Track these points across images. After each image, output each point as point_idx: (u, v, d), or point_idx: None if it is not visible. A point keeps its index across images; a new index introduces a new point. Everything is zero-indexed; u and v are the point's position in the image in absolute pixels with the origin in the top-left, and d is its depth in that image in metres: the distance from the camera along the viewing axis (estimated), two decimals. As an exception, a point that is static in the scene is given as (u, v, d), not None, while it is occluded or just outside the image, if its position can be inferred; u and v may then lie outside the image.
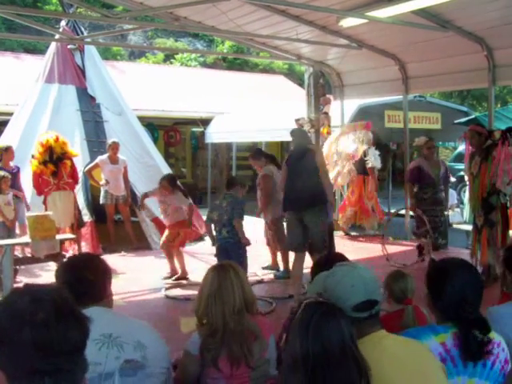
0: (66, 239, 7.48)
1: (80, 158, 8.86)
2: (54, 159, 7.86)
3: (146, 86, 16.08)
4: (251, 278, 6.88)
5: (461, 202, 12.40)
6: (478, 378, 2.13)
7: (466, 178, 8.26)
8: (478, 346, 2.09)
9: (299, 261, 6.17)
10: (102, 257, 2.79)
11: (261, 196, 7.57)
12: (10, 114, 10.35)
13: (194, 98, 16.32)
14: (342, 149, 10.22)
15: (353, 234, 10.65)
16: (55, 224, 6.82)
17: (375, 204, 10.47)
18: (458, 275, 2.23)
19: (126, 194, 9.13)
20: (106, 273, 2.38)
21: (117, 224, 9.45)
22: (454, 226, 9.82)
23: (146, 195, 7.63)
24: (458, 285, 2.20)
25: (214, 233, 6.33)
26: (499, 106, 20.59)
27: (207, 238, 10.28)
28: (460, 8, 7.19)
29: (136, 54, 26.50)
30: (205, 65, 25.46)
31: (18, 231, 7.79)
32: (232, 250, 6.07)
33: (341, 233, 10.53)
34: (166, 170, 10.28)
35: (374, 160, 10.12)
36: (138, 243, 9.14)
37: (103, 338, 2.12)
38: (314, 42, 9.31)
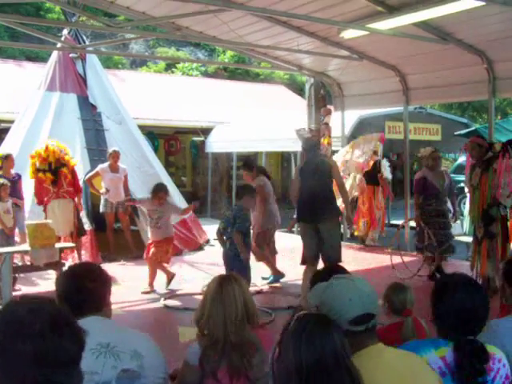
0: (66, 248, 7.47)
1: (80, 167, 8.88)
2: (53, 168, 7.87)
3: (147, 95, 16.14)
4: (250, 288, 6.85)
5: (461, 213, 12.39)
6: (478, 393, 2.11)
7: (467, 189, 8.26)
8: (473, 374, 2.06)
9: (310, 274, 6.15)
10: (102, 265, 2.79)
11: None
12: (12, 122, 10.39)
13: (195, 107, 16.37)
14: (354, 159, 10.28)
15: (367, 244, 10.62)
16: (55, 232, 6.82)
17: (383, 215, 10.50)
18: (458, 295, 2.18)
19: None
20: (106, 282, 2.39)
21: (116, 232, 9.45)
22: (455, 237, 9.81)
23: (134, 201, 7.65)
24: (457, 304, 2.16)
25: None
26: (499, 117, 20.66)
27: (206, 248, 10.32)
28: (460, 21, 7.23)
29: (137, 63, 26.61)
30: (206, 74, 25.57)
31: (17, 239, 7.78)
32: (233, 262, 6.00)
33: (354, 243, 10.56)
34: (166, 178, 10.30)
35: (385, 171, 10.21)
36: (137, 252, 9.11)
37: (100, 348, 2.12)
38: (314, 52, 9.36)
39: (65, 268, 5.84)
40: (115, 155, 8.92)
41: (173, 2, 7.02)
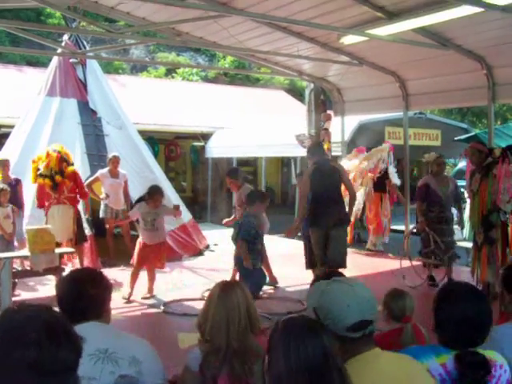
0: (65, 253, 7.45)
1: (80, 172, 8.85)
2: (53, 174, 7.85)
3: (147, 100, 16.17)
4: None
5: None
6: (478, 400, 2.09)
7: (466, 194, 8.24)
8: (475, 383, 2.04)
9: None
10: (102, 271, 2.78)
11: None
12: (12, 127, 10.40)
13: (195, 113, 16.39)
14: (363, 167, 10.32)
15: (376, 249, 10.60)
16: (55, 238, 6.81)
17: (388, 222, 10.51)
18: (460, 305, 2.15)
19: (126, 208, 9.11)
20: (106, 288, 2.39)
21: (116, 238, 9.43)
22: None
23: (127, 218, 7.80)
24: (458, 314, 2.13)
25: None
26: (499, 123, 20.67)
27: (206, 253, 10.30)
28: (460, 27, 7.25)
29: (138, 68, 26.67)
30: (206, 79, 25.63)
31: (16, 244, 7.76)
32: (240, 268, 6.06)
33: (363, 250, 10.55)
34: (166, 183, 10.29)
35: (393, 177, 10.24)
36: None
37: (98, 353, 2.13)
38: (314, 58, 9.38)
39: (65, 273, 5.83)
40: (115, 160, 8.90)
41: (173, 7, 7.04)
